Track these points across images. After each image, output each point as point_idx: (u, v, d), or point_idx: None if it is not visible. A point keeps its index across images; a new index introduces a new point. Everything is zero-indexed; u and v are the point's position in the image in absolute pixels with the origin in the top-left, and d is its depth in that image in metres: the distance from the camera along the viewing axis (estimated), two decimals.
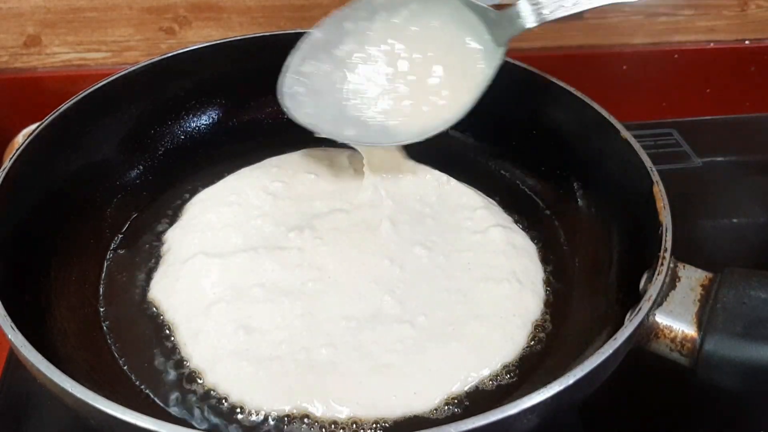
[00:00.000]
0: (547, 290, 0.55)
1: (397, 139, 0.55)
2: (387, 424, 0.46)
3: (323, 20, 0.56)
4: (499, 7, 0.53)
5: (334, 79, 0.55)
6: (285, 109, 0.55)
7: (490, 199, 0.63)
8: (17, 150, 0.53)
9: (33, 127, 0.56)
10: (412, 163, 0.62)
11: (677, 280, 0.45)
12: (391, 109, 0.55)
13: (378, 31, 0.56)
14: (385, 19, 0.56)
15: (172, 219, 0.61)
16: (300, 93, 0.55)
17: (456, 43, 0.55)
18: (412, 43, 0.56)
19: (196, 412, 0.46)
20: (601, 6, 0.50)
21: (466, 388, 0.48)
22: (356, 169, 0.63)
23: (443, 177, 0.63)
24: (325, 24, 0.56)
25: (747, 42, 0.89)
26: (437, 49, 0.55)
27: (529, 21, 0.52)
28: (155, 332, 0.51)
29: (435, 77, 0.55)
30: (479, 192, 0.63)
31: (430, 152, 0.68)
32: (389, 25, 0.56)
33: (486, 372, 0.48)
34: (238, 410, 0.46)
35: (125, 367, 0.49)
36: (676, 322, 0.44)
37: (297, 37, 0.68)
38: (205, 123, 0.69)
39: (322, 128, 0.54)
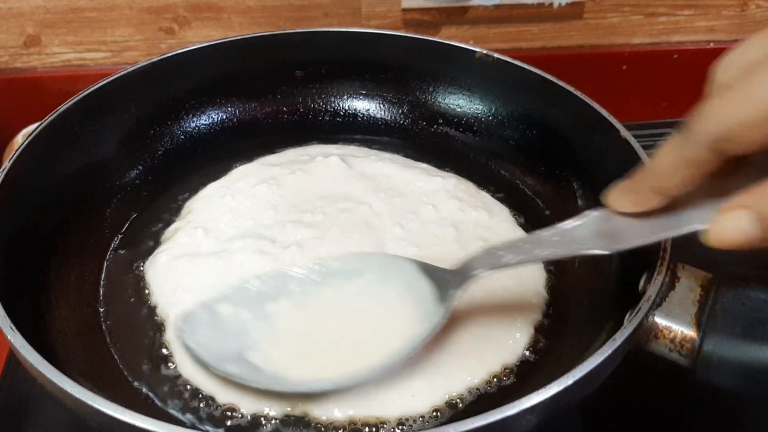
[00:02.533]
0: (547, 290, 0.55)
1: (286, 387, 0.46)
2: (386, 425, 0.46)
3: (268, 273, 0.51)
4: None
5: (248, 327, 0.48)
6: (175, 330, 0.49)
7: (495, 199, 0.63)
8: (17, 150, 0.53)
9: (33, 127, 0.56)
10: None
11: (676, 280, 0.45)
12: (295, 362, 0.47)
13: (323, 298, 0.50)
14: (336, 285, 0.51)
15: (173, 219, 0.61)
16: (203, 323, 0.48)
17: (397, 310, 0.49)
18: (349, 309, 0.50)
19: (196, 412, 0.46)
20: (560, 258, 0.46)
21: (466, 389, 0.48)
22: (351, 165, 0.63)
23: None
24: (268, 276, 0.51)
25: None
26: (375, 315, 0.49)
27: (481, 270, 0.46)
28: (155, 332, 0.51)
29: (367, 335, 0.48)
30: (481, 189, 0.63)
31: (430, 152, 0.68)
32: (338, 294, 0.50)
33: (486, 373, 0.48)
34: (236, 410, 0.46)
35: (125, 368, 0.49)
36: (676, 323, 0.44)
37: (297, 37, 0.69)
38: (205, 123, 0.69)
39: (203, 356, 0.47)
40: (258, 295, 0.50)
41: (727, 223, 0.38)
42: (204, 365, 0.47)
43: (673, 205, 0.41)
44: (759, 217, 0.36)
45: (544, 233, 0.45)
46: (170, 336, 0.51)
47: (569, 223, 0.45)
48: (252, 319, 0.49)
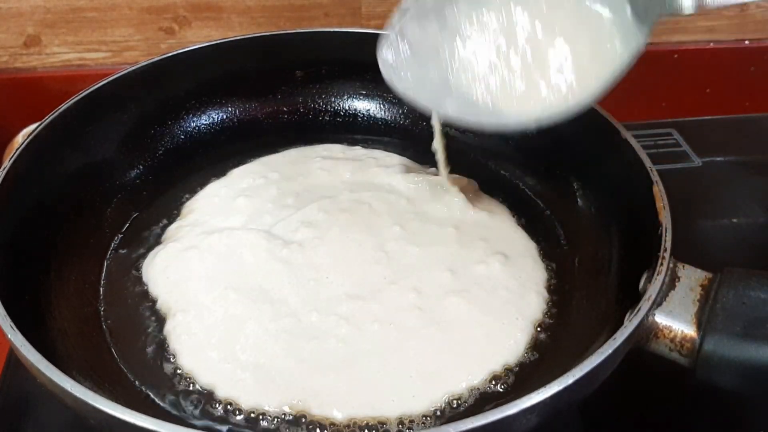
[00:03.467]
0: (547, 290, 0.55)
1: (506, 122, 0.46)
2: (386, 425, 0.46)
3: None
4: None
5: (441, 43, 0.47)
6: (382, 72, 0.48)
7: (495, 199, 0.63)
8: (17, 150, 0.53)
9: (33, 127, 0.56)
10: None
11: (677, 280, 0.45)
12: (503, 86, 0.46)
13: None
14: None
15: (173, 218, 0.61)
16: (400, 56, 0.48)
17: (588, 15, 0.46)
18: (535, 10, 0.47)
19: (196, 412, 0.46)
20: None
21: (466, 389, 0.48)
22: (352, 165, 0.63)
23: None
24: None
25: (747, 42, 0.89)
26: (564, 22, 0.46)
27: (687, 5, 0.42)
28: (155, 332, 0.51)
29: (559, 55, 0.46)
30: (481, 189, 0.63)
31: (430, 152, 0.68)
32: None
33: (487, 373, 0.48)
34: (236, 410, 0.46)
35: (125, 367, 0.49)
36: (676, 322, 0.44)
37: (297, 37, 0.69)
38: (205, 123, 0.69)
39: (420, 97, 0.47)
40: (436, 8, 0.48)
41: None
42: (424, 108, 0.47)
43: None
44: None
45: None
46: (169, 328, 0.51)
47: None
48: (439, 32, 0.47)
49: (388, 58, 0.48)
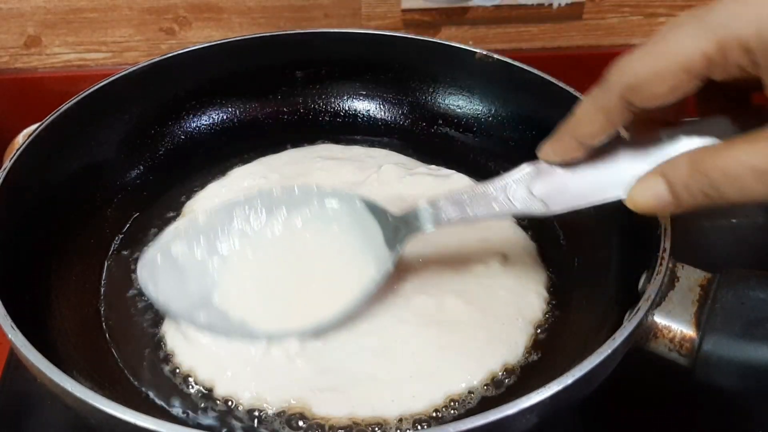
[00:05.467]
0: (547, 290, 0.55)
1: (256, 335, 0.49)
2: (386, 425, 0.46)
3: (214, 208, 0.52)
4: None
5: (205, 267, 0.50)
6: (138, 278, 0.50)
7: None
8: (17, 150, 0.53)
9: (33, 127, 0.56)
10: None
11: (676, 280, 0.45)
12: (260, 309, 0.49)
13: (267, 224, 0.52)
14: (284, 218, 0.52)
15: (173, 218, 0.61)
16: (161, 268, 0.50)
17: (349, 248, 0.51)
18: (297, 239, 0.52)
19: (195, 410, 0.46)
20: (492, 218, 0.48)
21: (466, 389, 0.48)
22: (352, 165, 0.63)
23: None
24: (214, 212, 0.52)
25: None
26: (324, 248, 0.51)
27: (427, 225, 0.48)
28: (155, 332, 0.51)
29: (319, 278, 0.50)
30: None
31: (430, 153, 0.68)
32: (286, 227, 0.52)
33: (487, 373, 0.49)
34: (235, 409, 0.46)
35: (125, 367, 0.49)
36: (675, 322, 0.44)
37: (297, 37, 0.69)
38: (205, 123, 0.69)
39: (173, 309, 0.49)
40: (208, 231, 0.51)
41: (643, 189, 0.41)
42: (174, 317, 0.49)
43: (601, 175, 0.44)
44: (670, 184, 0.39)
45: (487, 188, 0.46)
46: (168, 327, 0.51)
47: (507, 178, 0.46)
48: (208, 257, 0.50)
49: (146, 269, 0.50)
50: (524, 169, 0.46)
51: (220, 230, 0.51)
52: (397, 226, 0.49)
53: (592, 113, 0.42)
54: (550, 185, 0.45)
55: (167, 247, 0.50)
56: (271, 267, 0.50)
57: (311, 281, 0.50)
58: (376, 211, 0.50)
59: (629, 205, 0.42)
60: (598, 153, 0.44)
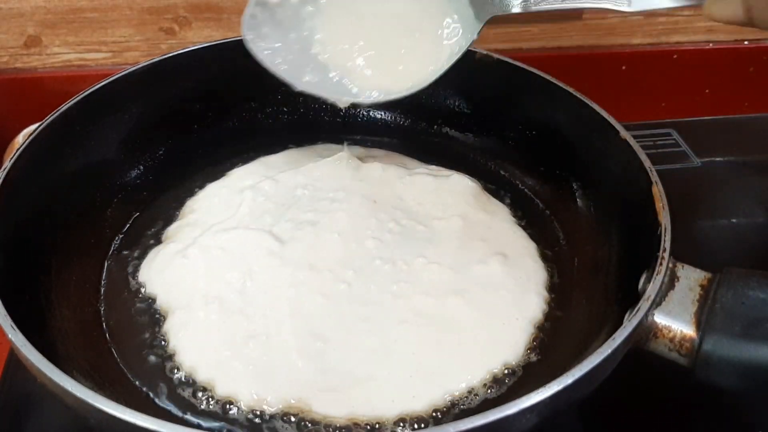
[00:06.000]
0: (547, 290, 0.55)
1: (356, 96, 0.52)
2: (386, 425, 0.46)
3: None
4: None
5: (302, 15, 0.51)
6: (244, 40, 0.51)
7: (495, 199, 0.63)
8: (17, 150, 0.53)
9: (33, 127, 0.56)
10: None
11: (676, 280, 0.45)
12: (356, 63, 0.51)
13: None
14: None
15: (173, 218, 0.61)
16: (263, 24, 0.51)
17: (435, 10, 0.52)
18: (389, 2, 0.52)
19: (195, 410, 0.46)
20: (588, 8, 0.48)
21: (466, 389, 0.48)
22: (353, 165, 0.64)
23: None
24: None
25: (746, 42, 0.89)
26: (415, 13, 0.52)
27: (514, 5, 0.49)
28: (155, 331, 0.51)
29: (407, 41, 0.52)
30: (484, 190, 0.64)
31: (430, 152, 0.68)
32: None
33: (487, 373, 0.49)
34: (235, 409, 0.46)
35: (125, 367, 0.49)
36: (675, 322, 0.44)
37: None
38: (205, 123, 0.69)
39: (279, 68, 0.51)
40: None
41: (721, 4, 0.42)
42: (282, 76, 0.50)
43: None
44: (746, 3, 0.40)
45: None
46: (168, 326, 0.51)
47: None
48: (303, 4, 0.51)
49: (250, 27, 0.51)
50: None
51: None
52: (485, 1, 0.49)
53: None
54: None
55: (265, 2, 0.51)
56: (364, 23, 0.51)
57: (400, 39, 0.51)
58: None
59: (706, 15, 0.43)
60: None
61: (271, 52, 0.51)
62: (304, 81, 0.51)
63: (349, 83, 0.52)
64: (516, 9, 0.49)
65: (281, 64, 0.51)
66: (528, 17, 0.84)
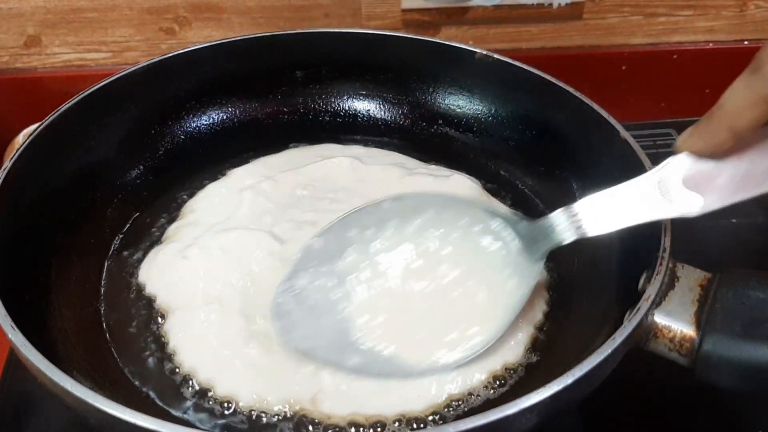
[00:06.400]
0: (547, 290, 0.55)
1: (413, 372, 0.45)
2: (386, 425, 0.46)
3: (323, 229, 0.48)
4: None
5: (335, 296, 0.46)
6: (274, 331, 0.47)
7: (495, 199, 0.63)
8: (17, 150, 0.53)
9: (33, 127, 0.56)
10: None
11: (676, 280, 0.45)
12: (405, 334, 0.45)
13: (388, 240, 0.47)
14: (396, 227, 0.47)
15: (173, 218, 0.61)
16: (293, 311, 0.46)
17: (481, 256, 0.46)
18: (429, 256, 0.47)
19: (195, 410, 0.46)
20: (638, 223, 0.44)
21: (466, 389, 0.48)
22: (354, 165, 0.64)
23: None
24: (326, 233, 0.48)
25: (746, 42, 0.89)
26: (460, 264, 0.47)
27: (567, 236, 0.45)
28: (155, 331, 0.51)
29: (460, 298, 0.46)
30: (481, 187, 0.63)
31: (430, 153, 0.68)
32: (401, 235, 0.47)
33: (487, 373, 0.48)
34: (235, 408, 0.46)
35: (125, 367, 0.49)
36: (675, 322, 0.44)
37: (297, 37, 0.69)
38: (205, 123, 0.69)
39: (319, 355, 0.45)
40: (329, 257, 0.46)
41: None
42: (322, 363, 0.45)
43: (753, 165, 0.41)
44: None
45: (638, 184, 0.43)
46: (168, 326, 0.51)
47: (659, 172, 0.43)
48: (336, 288, 0.46)
49: (279, 316, 0.47)
50: (672, 162, 0.43)
51: (340, 255, 0.47)
52: (534, 237, 0.46)
53: (750, 101, 0.40)
54: (700, 179, 0.42)
55: (292, 287, 0.46)
56: (406, 292, 0.46)
57: (454, 308, 0.46)
58: (508, 219, 0.47)
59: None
60: (746, 143, 0.42)
61: (307, 338, 0.46)
62: (349, 365, 0.45)
63: (403, 359, 0.46)
64: (569, 239, 0.45)
65: (318, 348, 0.46)
66: (527, 19, 0.84)
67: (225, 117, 0.69)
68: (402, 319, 0.47)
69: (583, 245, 0.57)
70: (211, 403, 0.47)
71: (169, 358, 0.49)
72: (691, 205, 0.42)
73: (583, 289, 0.54)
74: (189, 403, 0.47)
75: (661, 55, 0.89)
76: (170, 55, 0.65)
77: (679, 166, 0.43)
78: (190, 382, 0.48)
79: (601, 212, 0.44)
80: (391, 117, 0.72)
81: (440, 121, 0.70)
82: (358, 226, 0.48)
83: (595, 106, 0.59)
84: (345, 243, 0.48)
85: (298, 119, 0.71)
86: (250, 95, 0.70)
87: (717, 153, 0.42)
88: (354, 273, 0.47)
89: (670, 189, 0.42)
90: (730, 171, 0.42)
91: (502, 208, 0.47)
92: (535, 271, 0.46)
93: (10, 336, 0.41)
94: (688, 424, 0.55)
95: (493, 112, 0.68)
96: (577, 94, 0.60)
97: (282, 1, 0.81)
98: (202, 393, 0.47)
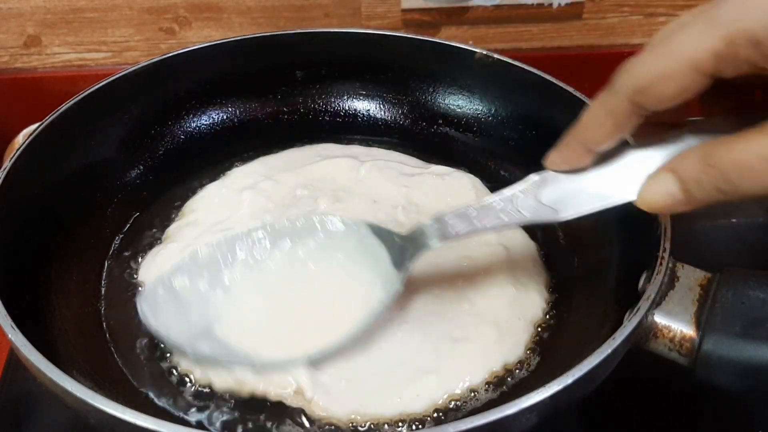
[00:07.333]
0: (547, 290, 0.55)
1: (265, 364, 0.47)
2: (385, 424, 0.46)
3: (216, 240, 0.51)
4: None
5: (207, 299, 0.49)
6: (140, 312, 0.48)
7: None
8: (17, 150, 0.53)
9: (33, 127, 0.56)
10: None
11: (676, 280, 0.45)
12: (263, 337, 0.48)
13: (275, 261, 0.50)
14: (287, 249, 0.51)
15: (173, 218, 0.61)
16: (162, 300, 0.48)
17: (355, 272, 0.49)
18: (298, 263, 0.50)
19: (194, 409, 0.47)
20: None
21: (466, 389, 0.48)
22: (354, 165, 0.64)
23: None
24: (217, 244, 0.50)
25: None
26: (334, 282, 0.50)
27: (434, 241, 0.47)
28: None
29: (319, 300, 0.49)
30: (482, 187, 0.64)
31: (430, 152, 0.68)
32: (290, 257, 0.50)
33: (487, 372, 0.49)
34: (235, 408, 0.46)
35: (125, 367, 0.49)
36: (675, 322, 0.44)
37: (297, 37, 0.69)
38: (205, 123, 0.69)
39: (173, 339, 0.47)
40: (211, 263, 0.50)
41: (654, 188, 0.40)
42: (176, 347, 0.48)
43: (609, 178, 0.43)
44: (681, 181, 0.38)
45: (494, 200, 0.46)
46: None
47: (514, 188, 0.46)
48: (210, 289, 0.49)
49: (148, 302, 0.48)
50: (531, 179, 0.46)
51: (222, 262, 0.50)
52: (403, 246, 0.48)
53: (600, 118, 0.41)
54: (558, 192, 0.45)
55: (168, 280, 0.49)
56: (274, 297, 0.49)
57: (317, 308, 0.49)
58: (381, 234, 0.49)
59: (641, 205, 0.41)
60: (605, 157, 0.44)
61: (166, 325, 0.48)
62: (198, 348, 0.47)
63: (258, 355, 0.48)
64: (435, 244, 0.47)
65: (174, 333, 0.48)
66: (527, 19, 0.84)
67: (225, 117, 0.69)
68: (265, 321, 0.49)
69: (583, 245, 0.58)
70: (210, 401, 0.47)
71: (169, 357, 0.49)
72: (543, 216, 0.44)
73: (584, 288, 0.54)
74: (188, 402, 0.47)
75: None
76: (170, 55, 0.65)
77: (537, 182, 0.46)
78: (190, 380, 0.48)
79: (461, 222, 0.46)
80: (391, 117, 0.72)
81: (440, 121, 0.71)
82: (247, 244, 0.51)
83: None
84: (233, 256, 0.50)
85: (298, 119, 0.71)
86: (250, 95, 0.70)
87: (575, 169, 0.44)
88: (229, 281, 0.50)
89: (524, 203, 0.45)
90: (587, 183, 0.44)
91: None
92: (399, 279, 0.48)
93: (10, 336, 0.41)
94: (688, 424, 0.55)
95: (493, 112, 0.68)
96: (577, 94, 0.60)
97: (282, 1, 0.81)
98: (202, 392, 0.47)
